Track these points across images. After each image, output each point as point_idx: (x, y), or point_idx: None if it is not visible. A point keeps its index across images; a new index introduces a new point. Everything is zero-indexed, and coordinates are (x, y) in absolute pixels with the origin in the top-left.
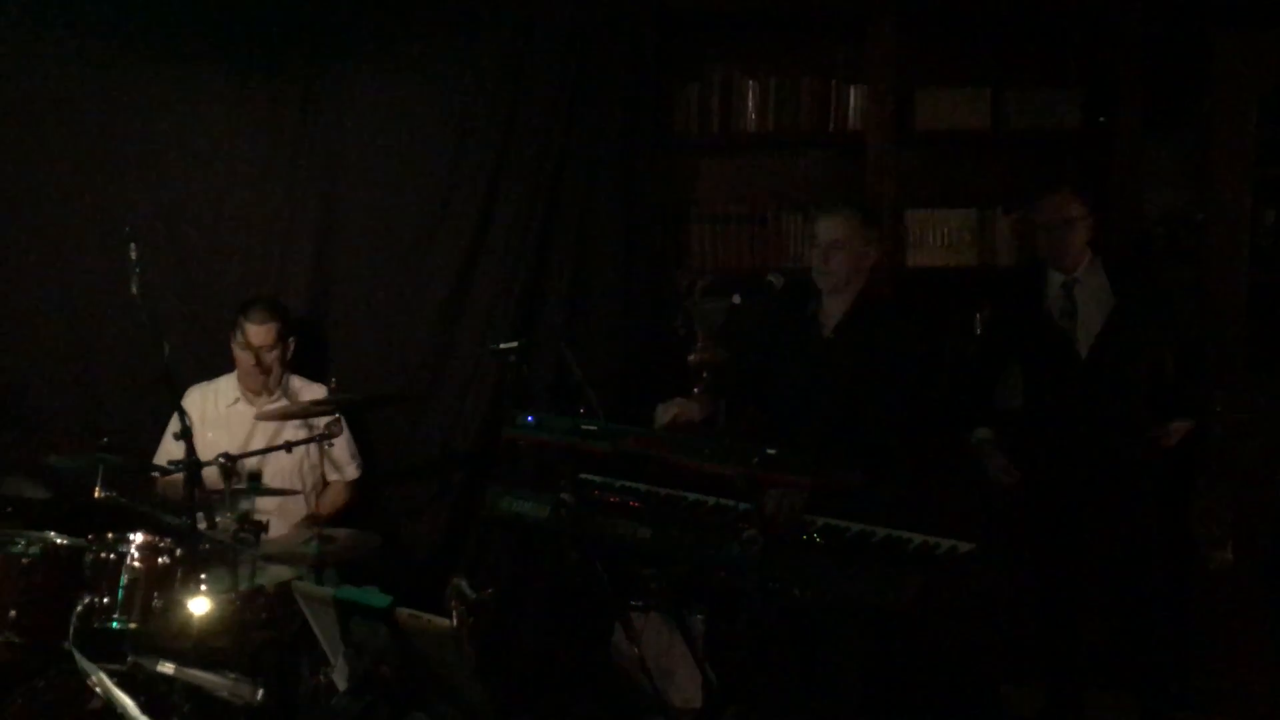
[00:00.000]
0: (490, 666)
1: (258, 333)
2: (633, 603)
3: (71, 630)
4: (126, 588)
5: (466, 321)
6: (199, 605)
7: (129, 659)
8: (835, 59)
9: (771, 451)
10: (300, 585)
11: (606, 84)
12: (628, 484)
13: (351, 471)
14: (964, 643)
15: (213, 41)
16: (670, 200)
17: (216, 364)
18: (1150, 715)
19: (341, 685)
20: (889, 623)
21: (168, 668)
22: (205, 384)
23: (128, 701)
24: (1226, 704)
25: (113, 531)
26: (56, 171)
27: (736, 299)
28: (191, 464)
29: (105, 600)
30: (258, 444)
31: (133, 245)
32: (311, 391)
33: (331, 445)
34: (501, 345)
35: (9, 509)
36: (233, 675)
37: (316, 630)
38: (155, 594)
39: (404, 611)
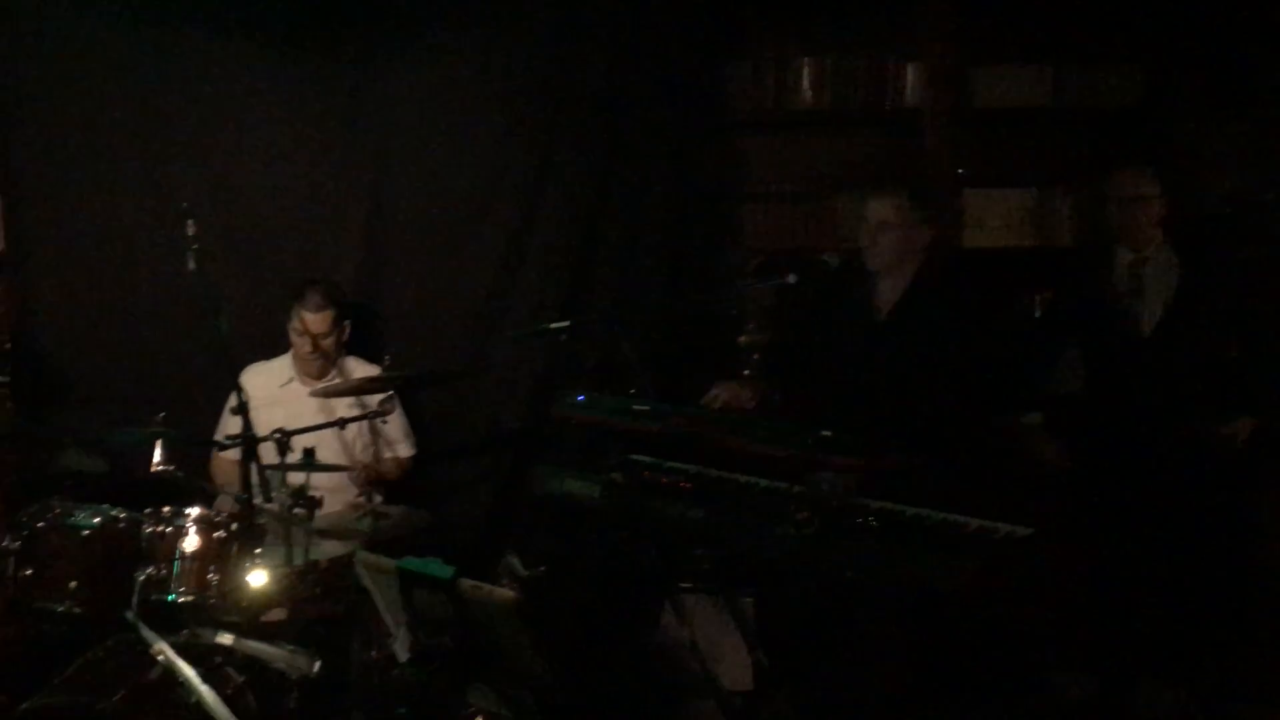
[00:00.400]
0: (546, 643)
1: (314, 320)
2: (682, 584)
3: (135, 601)
4: (183, 561)
5: (515, 301)
6: (256, 578)
7: (184, 630)
8: (892, 36)
9: (826, 433)
10: (363, 555)
11: (658, 62)
12: (677, 465)
13: (404, 449)
14: (1017, 628)
15: (267, 22)
16: (721, 179)
17: (270, 342)
18: (1205, 705)
19: (402, 656)
20: (942, 607)
21: (226, 639)
22: (261, 364)
23: (189, 671)
24: None
25: (170, 505)
26: (113, 152)
27: (792, 278)
28: (248, 439)
29: (162, 573)
30: (311, 422)
31: (189, 222)
32: (365, 371)
33: (385, 422)
34: (551, 325)
35: (68, 482)
36: (289, 647)
37: (378, 600)
38: (211, 567)
39: (466, 583)
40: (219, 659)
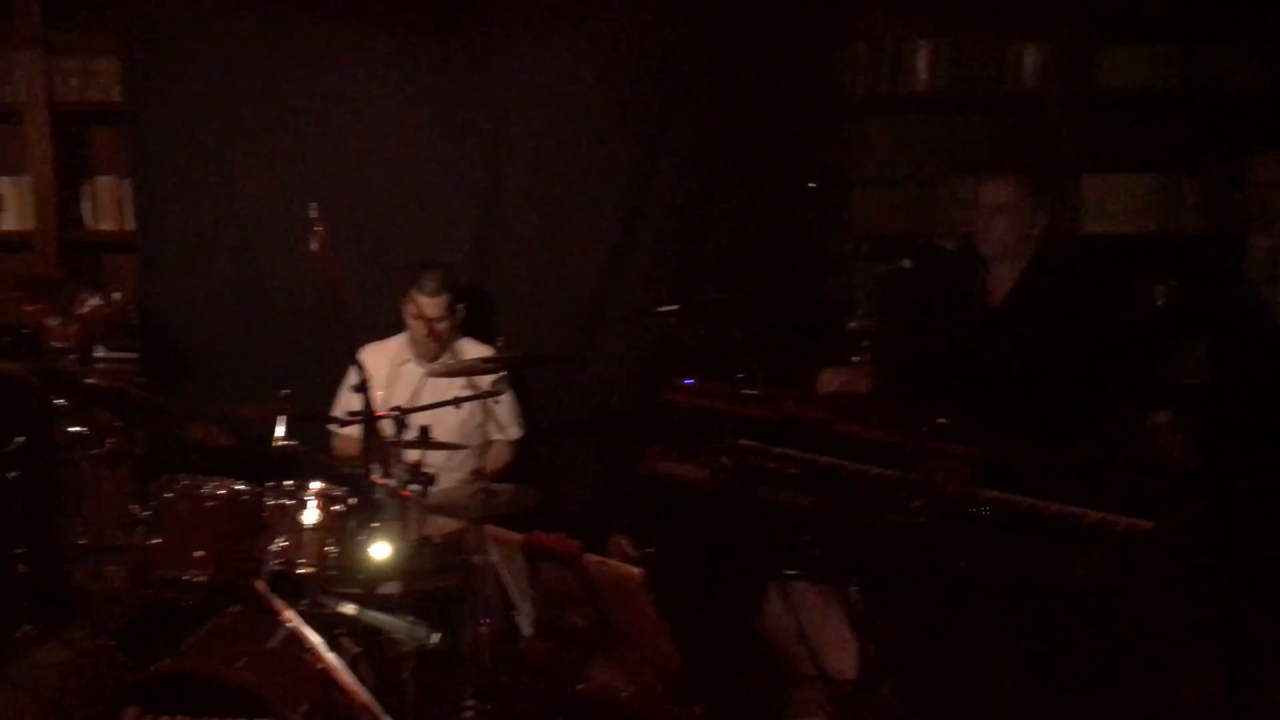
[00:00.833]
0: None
1: (429, 305)
2: (788, 571)
3: (265, 571)
4: (304, 533)
5: (625, 284)
6: (380, 550)
7: (304, 600)
8: (1011, 16)
9: (942, 421)
10: (492, 530)
11: (771, 44)
12: (786, 450)
13: (514, 431)
14: (1136, 625)
15: (386, 7)
16: (833, 163)
17: (386, 322)
18: None
19: (526, 629)
20: (1058, 600)
21: (349, 609)
22: (377, 344)
23: (317, 639)
24: None
25: (291, 479)
26: (238, 136)
27: (907, 263)
28: (367, 416)
29: (284, 544)
30: (425, 401)
31: (313, 204)
32: (478, 351)
33: (497, 403)
34: (661, 308)
35: (194, 455)
36: (410, 619)
37: (504, 575)
38: (330, 540)
39: (592, 558)
40: (339, 629)
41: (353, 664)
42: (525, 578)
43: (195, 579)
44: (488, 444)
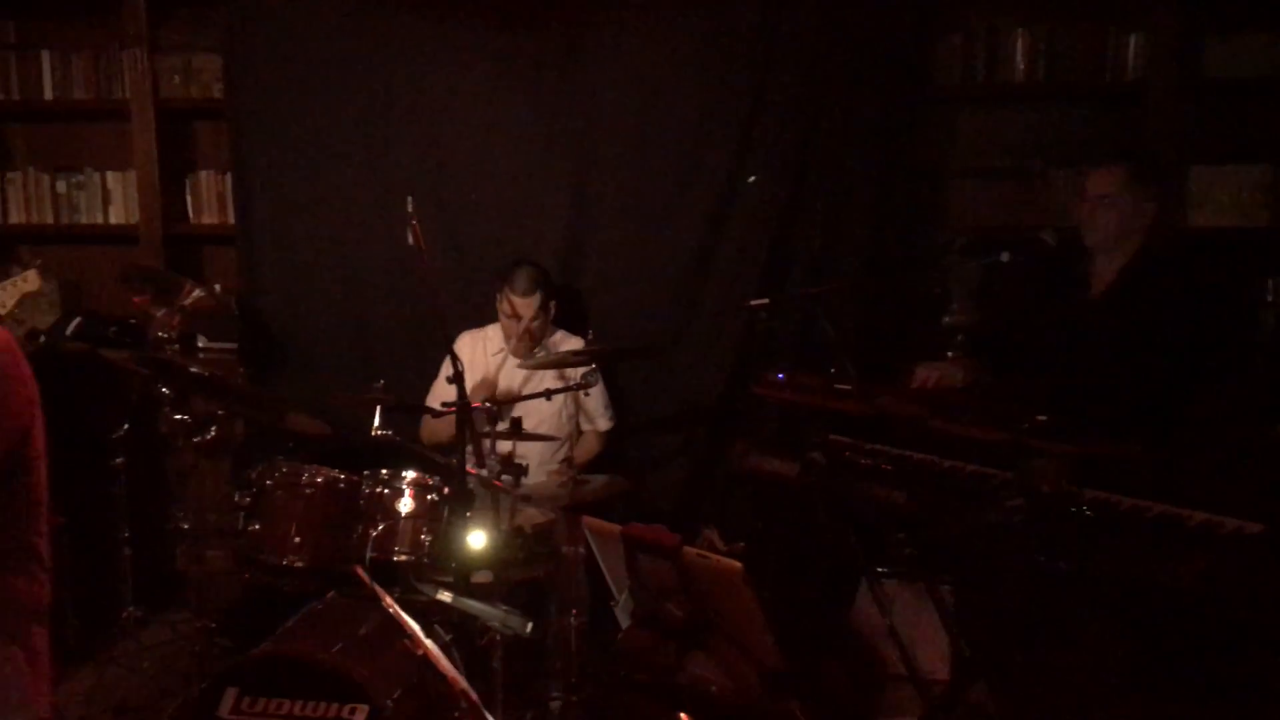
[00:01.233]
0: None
1: (522, 304)
2: (880, 569)
3: (367, 557)
4: (399, 521)
5: (714, 278)
6: (476, 539)
7: (398, 587)
8: (1113, 4)
9: (1042, 418)
10: (590, 520)
11: (864, 35)
12: (879, 446)
13: (603, 423)
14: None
15: (480, 4)
16: (928, 154)
17: (478, 314)
18: None
19: (624, 620)
20: (1161, 603)
21: (445, 597)
22: (475, 331)
23: (415, 626)
24: None
25: (387, 468)
26: (335, 131)
27: (1005, 256)
28: (463, 406)
29: (379, 532)
30: (517, 391)
31: (409, 199)
32: (570, 344)
33: (588, 395)
34: (752, 302)
35: (291, 444)
36: (504, 608)
37: (602, 565)
38: (424, 528)
39: (691, 551)
40: (432, 616)
41: (445, 651)
42: (623, 569)
43: (293, 564)
44: (577, 435)
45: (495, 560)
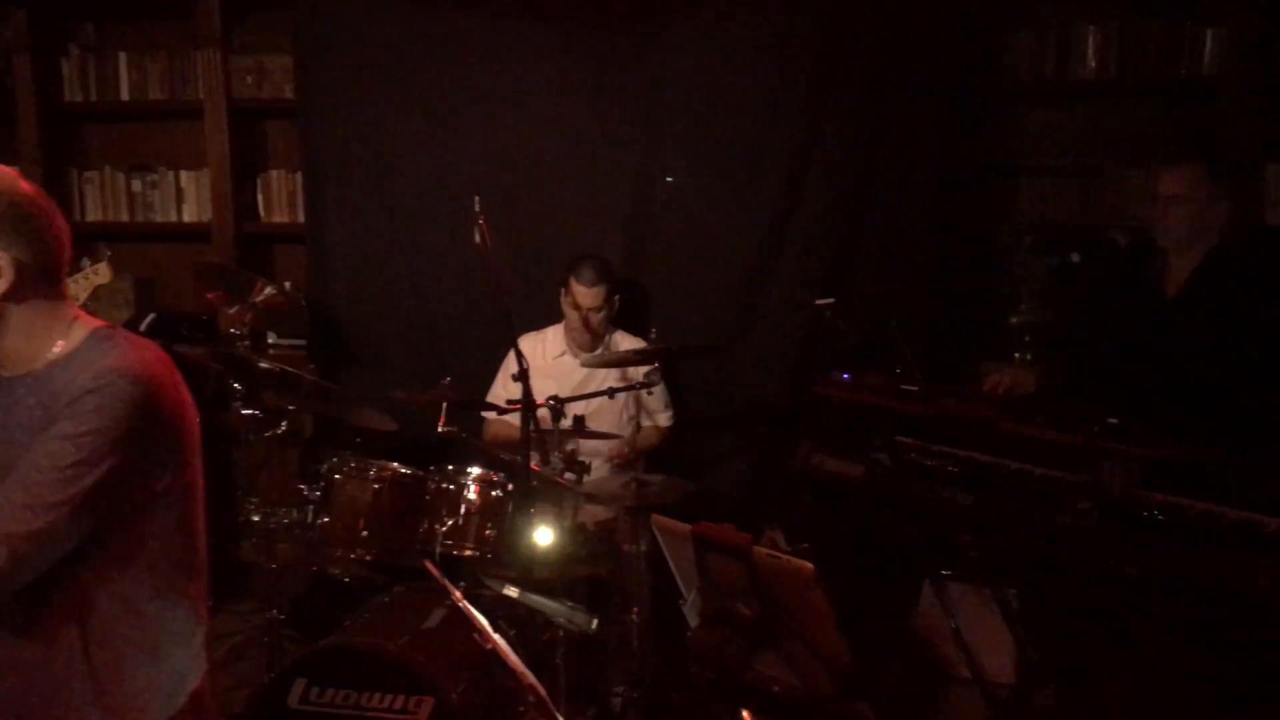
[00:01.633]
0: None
1: (587, 295)
2: (944, 571)
3: (436, 552)
4: (464, 516)
5: (778, 276)
6: (543, 536)
7: (463, 582)
8: None
9: (1113, 420)
10: (659, 519)
11: (932, 30)
12: (945, 448)
13: (664, 419)
14: None
15: (546, 4)
16: (996, 152)
17: (540, 314)
18: None
19: (692, 619)
20: (1235, 610)
21: (512, 592)
22: (535, 333)
23: (483, 620)
24: None
25: (452, 464)
26: (400, 128)
27: (1075, 256)
28: (527, 404)
29: (445, 527)
30: (580, 390)
31: (476, 198)
32: (631, 343)
33: (650, 394)
34: (817, 301)
35: (358, 439)
36: (570, 604)
37: (671, 564)
38: (489, 524)
39: (762, 551)
40: (496, 611)
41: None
42: (693, 568)
43: (360, 557)
44: (637, 430)
45: (558, 557)
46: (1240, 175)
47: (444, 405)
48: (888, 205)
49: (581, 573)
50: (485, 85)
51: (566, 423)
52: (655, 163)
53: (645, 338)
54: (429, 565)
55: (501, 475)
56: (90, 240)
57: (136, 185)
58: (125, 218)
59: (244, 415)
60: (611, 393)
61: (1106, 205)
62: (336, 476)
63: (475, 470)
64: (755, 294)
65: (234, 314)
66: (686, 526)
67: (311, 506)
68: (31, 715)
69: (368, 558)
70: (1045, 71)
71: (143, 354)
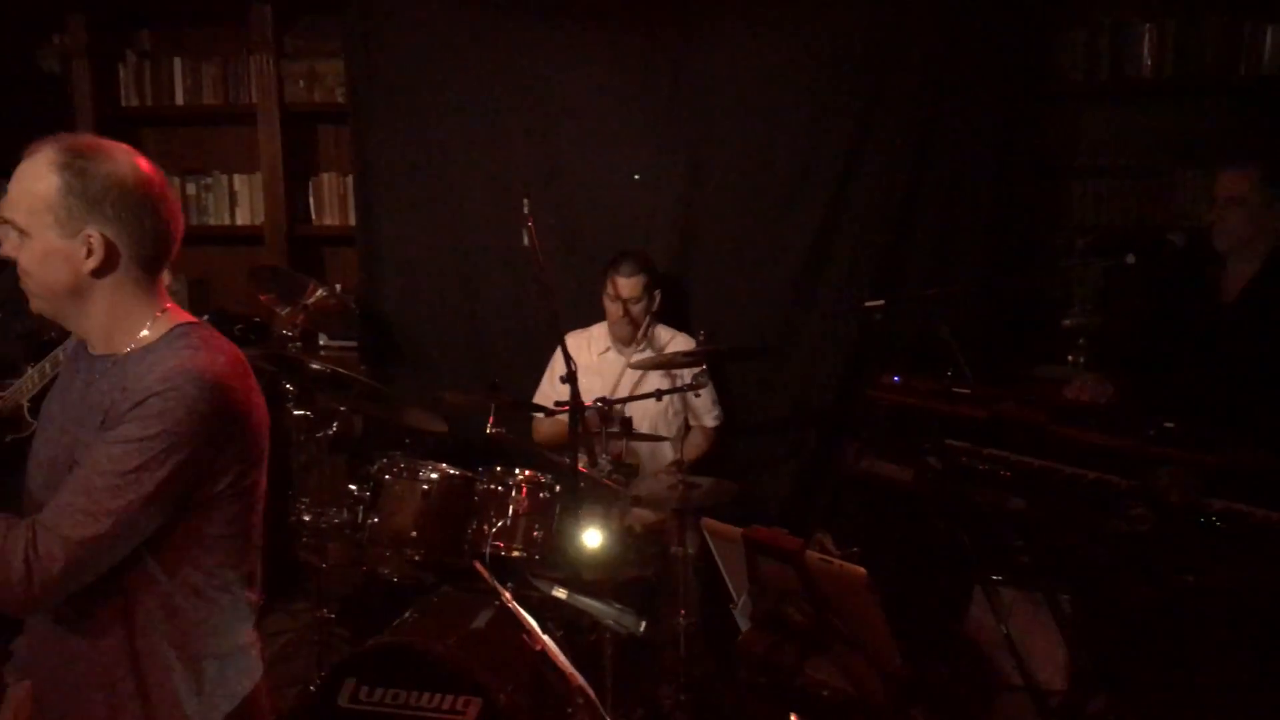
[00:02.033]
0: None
1: (626, 285)
2: (995, 576)
3: (486, 553)
4: (512, 517)
5: (826, 278)
6: (592, 538)
7: (509, 583)
8: None
9: (1169, 425)
10: (709, 522)
11: (983, 30)
12: (997, 452)
13: (710, 421)
14: None
15: (594, 6)
16: (1050, 152)
17: (588, 315)
18: None
19: (743, 623)
20: None
21: (560, 593)
22: (580, 331)
23: (532, 621)
24: None
25: (500, 465)
26: (452, 131)
27: (1130, 258)
28: (575, 406)
29: (493, 528)
30: (625, 391)
31: (525, 200)
32: (676, 342)
33: (698, 395)
34: (868, 303)
35: (408, 440)
36: (618, 606)
37: (722, 567)
38: (536, 525)
39: (814, 555)
40: (545, 613)
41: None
42: (743, 571)
43: (409, 557)
44: (685, 431)
45: (606, 559)
46: None
47: (493, 406)
48: (939, 207)
49: (629, 575)
50: (534, 88)
51: (614, 424)
52: (704, 164)
53: (694, 339)
54: (478, 566)
55: (550, 477)
56: None
57: (191, 189)
58: None
59: (295, 416)
60: (659, 395)
61: (1162, 207)
62: (386, 477)
63: (523, 471)
64: (804, 296)
65: (286, 316)
66: (737, 530)
67: (361, 507)
68: (78, 710)
69: (417, 558)
70: (1100, 71)
71: (216, 356)
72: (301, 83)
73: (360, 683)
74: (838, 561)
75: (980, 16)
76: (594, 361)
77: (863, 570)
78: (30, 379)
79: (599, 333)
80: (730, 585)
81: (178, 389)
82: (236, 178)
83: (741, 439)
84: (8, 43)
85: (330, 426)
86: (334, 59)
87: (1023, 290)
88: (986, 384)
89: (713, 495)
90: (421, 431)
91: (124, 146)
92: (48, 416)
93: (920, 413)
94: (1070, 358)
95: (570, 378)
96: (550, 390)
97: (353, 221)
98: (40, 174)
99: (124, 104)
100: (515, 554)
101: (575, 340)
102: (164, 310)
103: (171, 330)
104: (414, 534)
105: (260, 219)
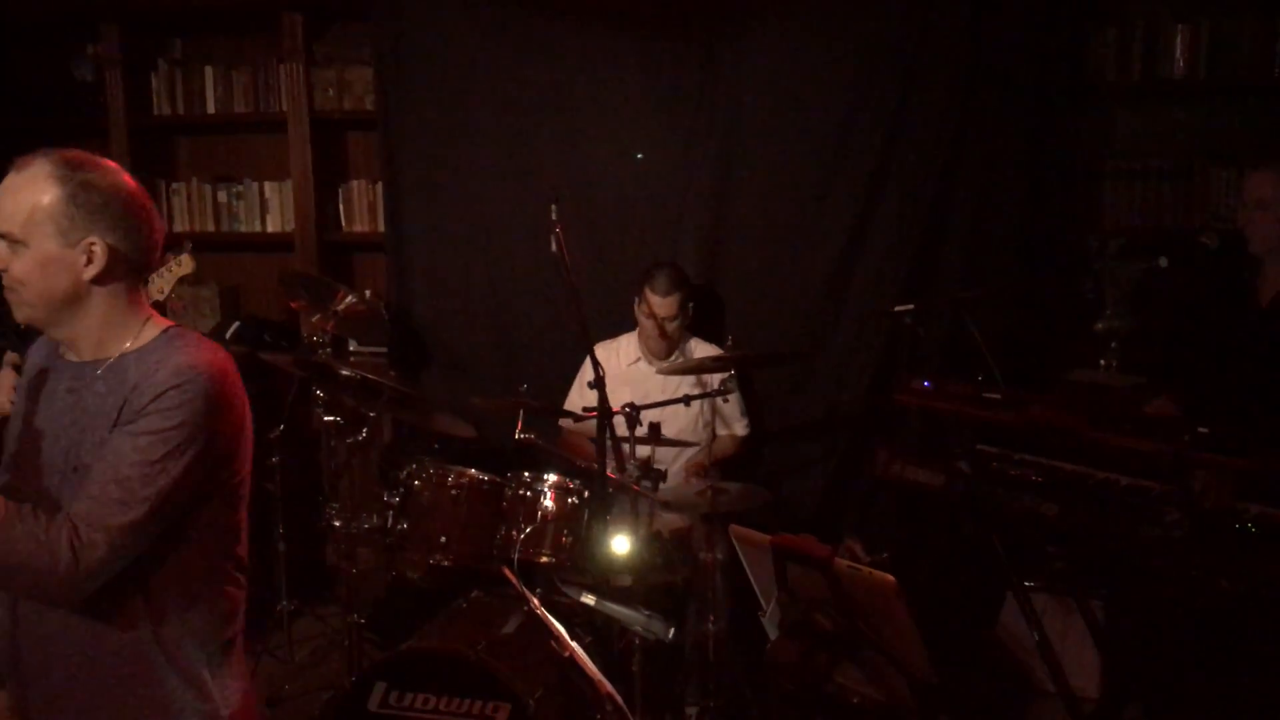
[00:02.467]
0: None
1: (662, 305)
2: (1027, 582)
3: (515, 559)
4: (541, 523)
5: (856, 283)
6: (620, 544)
7: (538, 589)
8: None
9: (1204, 429)
10: (737, 529)
11: (1015, 30)
12: (1028, 457)
13: (740, 429)
14: None
15: (623, 9)
16: (1081, 154)
17: (617, 322)
18: None
19: (772, 631)
20: None
21: (589, 599)
22: (609, 342)
23: (560, 627)
24: None
25: (529, 471)
26: (481, 138)
27: (1163, 261)
28: (603, 411)
29: (522, 533)
30: (655, 399)
31: (554, 206)
32: (706, 350)
33: (726, 401)
34: (897, 308)
35: (437, 445)
36: (646, 612)
37: (750, 574)
38: (565, 531)
39: (843, 563)
40: (574, 618)
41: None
42: (772, 579)
43: (439, 563)
44: (713, 438)
45: (634, 564)
46: None
47: (521, 412)
48: (970, 210)
49: (657, 581)
50: (564, 95)
51: (642, 430)
52: (733, 170)
53: (721, 345)
54: (507, 571)
55: (578, 482)
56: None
57: (222, 196)
58: (211, 228)
59: (326, 421)
60: (687, 400)
61: (1195, 209)
62: (416, 482)
63: (552, 477)
64: (833, 301)
65: (316, 321)
66: (766, 537)
67: (391, 512)
68: (106, 708)
69: (446, 563)
70: (1132, 71)
71: (215, 353)
72: (331, 90)
73: (390, 687)
74: (866, 569)
75: (1012, 17)
76: (623, 371)
77: (892, 578)
78: None
79: (628, 343)
80: (759, 592)
81: (193, 381)
82: (267, 185)
83: (771, 444)
84: (43, 53)
85: (360, 432)
86: (364, 66)
87: (1054, 293)
88: (1018, 388)
89: (742, 501)
90: (451, 437)
91: (109, 161)
92: (25, 423)
93: (951, 417)
94: (1102, 361)
95: (598, 382)
96: (579, 398)
97: (382, 228)
98: (40, 186)
99: (156, 112)
100: (544, 559)
101: (604, 351)
102: (149, 318)
103: (165, 332)
104: (443, 539)
105: (291, 226)
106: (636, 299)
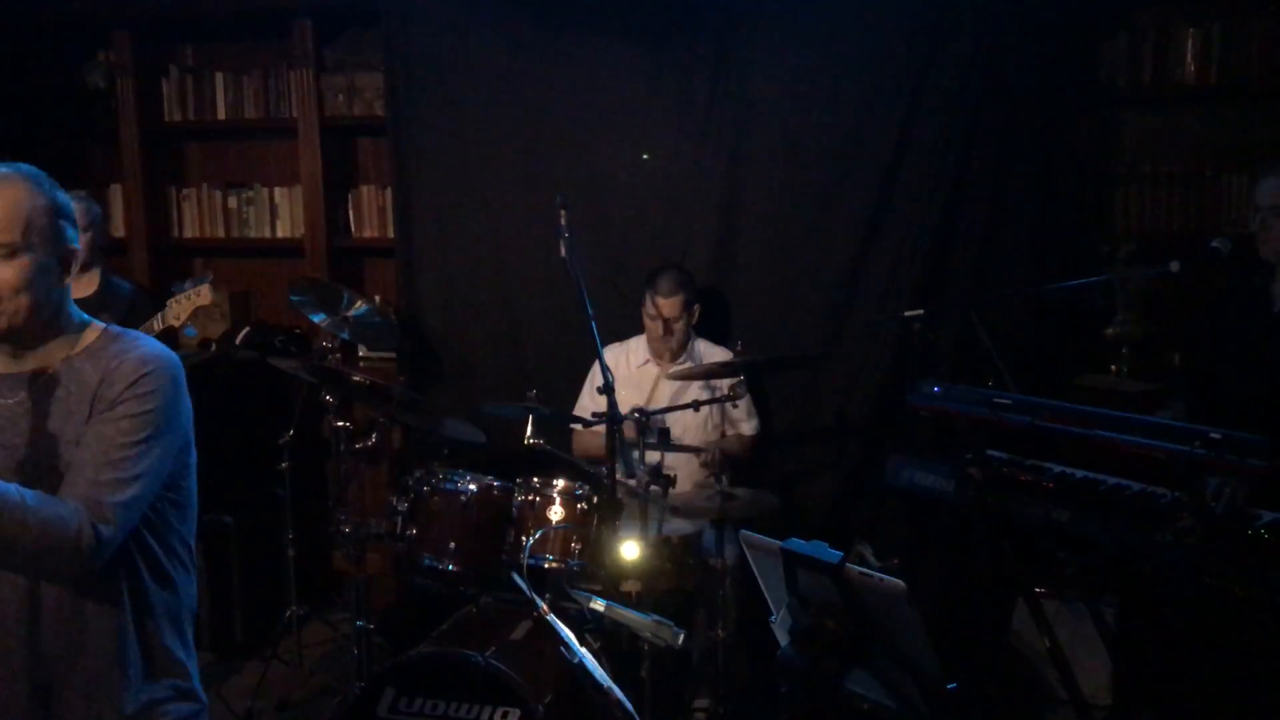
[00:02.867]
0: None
1: (666, 305)
2: (1039, 588)
3: (524, 564)
4: (550, 529)
5: (866, 287)
6: (629, 549)
7: (547, 594)
8: None
9: (1216, 435)
10: (747, 535)
11: (1025, 36)
12: (1039, 462)
13: (748, 428)
14: None
15: (632, 13)
16: (1092, 159)
17: (627, 327)
18: None
19: (782, 637)
20: None
21: (598, 605)
22: (617, 345)
23: (569, 633)
24: None
25: (538, 476)
26: (491, 144)
27: (1175, 266)
28: (612, 417)
29: (532, 538)
30: (663, 403)
31: (563, 211)
32: (714, 354)
33: (736, 406)
34: (907, 313)
35: (447, 451)
36: (656, 618)
37: (760, 580)
38: (574, 537)
39: (853, 569)
40: (582, 624)
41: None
42: (782, 584)
43: (448, 568)
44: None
45: (643, 570)
46: None
47: (530, 417)
48: (981, 215)
49: (666, 586)
50: (573, 101)
51: (651, 435)
52: (742, 175)
53: (731, 349)
54: (516, 577)
55: (588, 488)
56: (188, 256)
57: (232, 202)
58: (221, 233)
59: (335, 427)
60: (696, 406)
61: (1207, 214)
62: (425, 488)
63: (561, 483)
64: (843, 306)
65: (326, 327)
66: (775, 543)
67: (400, 517)
68: (90, 694)
69: (455, 569)
70: (1143, 76)
71: (162, 347)
72: (341, 96)
73: (399, 693)
74: (878, 575)
75: (1022, 22)
76: (632, 374)
77: (903, 584)
78: None
79: (637, 345)
80: (769, 599)
81: (162, 367)
82: (277, 190)
83: (781, 449)
84: (55, 60)
85: (369, 437)
86: (373, 72)
87: (1065, 298)
88: (1029, 393)
89: (751, 507)
90: (460, 442)
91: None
92: None
93: (961, 423)
94: (1113, 367)
95: (608, 389)
96: (589, 403)
97: (392, 233)
98: (29, 194)
99: (167, 118)
100: (553, 565)
101: (613, 354)
102: (81, 316)
103: (105, 332)
104: (452, 545)
105: (301, 231)
106: (643, 303)
